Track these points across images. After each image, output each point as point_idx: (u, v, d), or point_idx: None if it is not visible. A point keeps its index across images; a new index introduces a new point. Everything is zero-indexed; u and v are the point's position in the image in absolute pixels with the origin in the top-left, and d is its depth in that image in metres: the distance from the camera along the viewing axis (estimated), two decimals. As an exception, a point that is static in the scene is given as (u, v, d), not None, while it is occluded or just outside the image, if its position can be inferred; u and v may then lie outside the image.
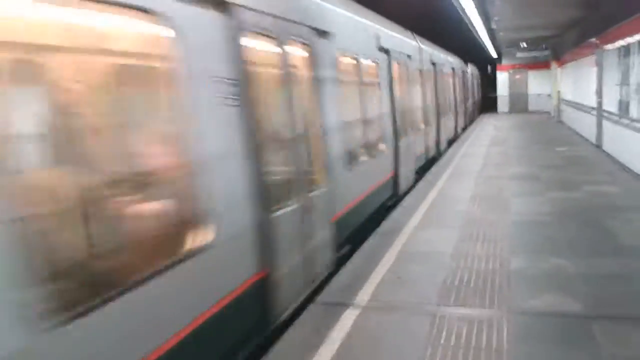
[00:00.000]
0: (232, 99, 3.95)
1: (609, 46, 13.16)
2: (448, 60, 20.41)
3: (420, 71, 12.77)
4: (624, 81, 11.70)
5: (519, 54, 29.63)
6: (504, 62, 32.75)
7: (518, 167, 12.26)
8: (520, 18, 18.07)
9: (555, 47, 26.93)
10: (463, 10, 14.37)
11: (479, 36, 21.79)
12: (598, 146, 14.90)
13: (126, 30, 3.30)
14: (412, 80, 11.59)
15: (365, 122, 7.72)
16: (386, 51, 9.12)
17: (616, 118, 12.47)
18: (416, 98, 11.98)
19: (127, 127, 3.35)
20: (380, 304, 4.92)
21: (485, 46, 26.19)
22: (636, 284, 5.08)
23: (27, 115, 2.65)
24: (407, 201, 9.16)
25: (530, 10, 16.30)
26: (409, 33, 12.42)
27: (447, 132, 17.07)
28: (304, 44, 5.45)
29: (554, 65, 26.89)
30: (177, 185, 3.53)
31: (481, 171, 11.93)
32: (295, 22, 5.21)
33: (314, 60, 5.63)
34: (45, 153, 2.77)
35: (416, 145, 11.47)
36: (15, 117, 2.53)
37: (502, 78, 32.88)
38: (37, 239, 2.53)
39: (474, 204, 8.72)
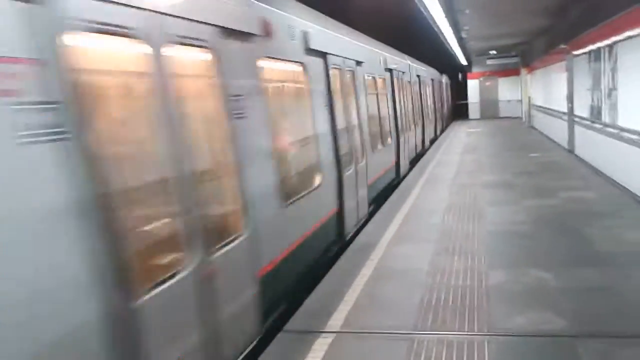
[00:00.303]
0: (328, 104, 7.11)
1: (579, 52, 13.16)
2: (428, 71, 20.85)
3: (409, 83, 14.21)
4: (595, 86, 11.67)
5: (489, 62, 29.87)
6: (475, 69, 32.99)
7: (492, 175, 12.12)
8: (489, 27, 18.12)
9: (525, 54, 27.15)
10: (434, 20, 14.30)
11: (450, 45, 21.83)
12: (570, 151, 14.89)
13: (297, 72, 6.44)
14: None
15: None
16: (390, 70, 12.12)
17: (588, 123, 12.44)
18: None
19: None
20: (354, 330, 4.61)
21: (455, 55, 26.31)
22: (618, 297, 4.88)
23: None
24: (380, 214, 8.89)
25: (499, 19, 16.33)
26: (401, 54, 14.06)
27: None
28: (350, 70, 8.63)
29: (523, 71, 27.11)
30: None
31: (455, 179, 11.76)
32: (348, 58, 8.35)
33: (356, 81, 8.91)
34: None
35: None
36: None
37: (473, 85, 33.10)
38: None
39: (449, 215, 8.50)
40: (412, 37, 24.88)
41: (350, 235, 7.64)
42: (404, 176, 12.97)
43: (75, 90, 2.65)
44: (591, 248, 6.30)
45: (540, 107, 21.55)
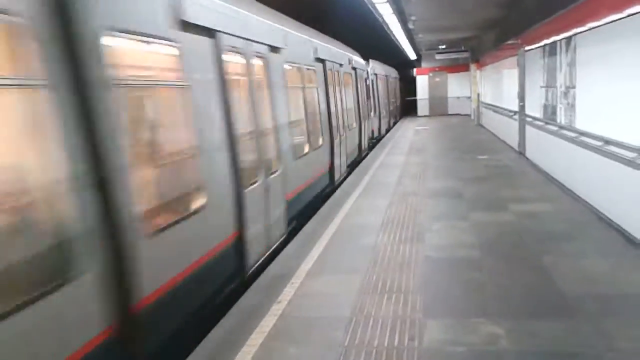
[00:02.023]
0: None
1: (533, 46, 12.07)
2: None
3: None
4: (550, 83, 10.57)
5: (438, 56, 28.91)
6: (424, 64, 32.03)
7: (437, 180, 10.89)
8: (438, 18, 16.96)
9: (475, 49, 26.28)
10: (374, 6, 12.97)
11: (397, 38, 20.62)
12: (521, 153, 13.86)
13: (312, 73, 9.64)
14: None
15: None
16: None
17: (540, 124, 11.36)
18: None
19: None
20: None
21: (404, 49, 25.18)
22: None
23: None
24: (303, 234, 7.46)
25: (448, 9, 15.17)
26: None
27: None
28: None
29: (473, 67, 26.23)
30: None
31: (397, 186, 10.46)
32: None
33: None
34: None
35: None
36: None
37: (422, 81, 32.13)
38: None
39: (385, 233, 7.15)
40: (360, 30, 23.52)
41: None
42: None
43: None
44: (553, 287, 5.03)
45: (489, 104, 20.60)
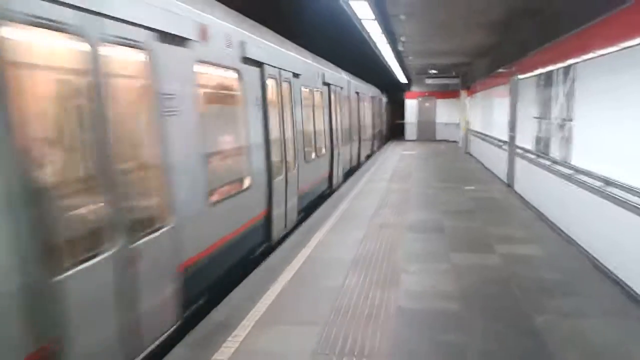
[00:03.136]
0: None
1: (526, 74, 11.37)
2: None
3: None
4: (544, 115, 9.83)
5: (429, 81, 28.27)
6: (414, 88, 31.43)
7: (419, 212, 10.05)
8: (428, 40, 16.28)
9: (466, 75, 25.73)
10: (363, 27, 12.22)
11: (385, 59, 19.93)
12: (509, 185, 13.10)
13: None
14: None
15: None
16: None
17: (532, 157, 10.60)
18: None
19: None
20: None
21: (393, 71, 24.52)
22: None
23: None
24: (263, 269, 6.54)
25: (439, 31, 14.49)
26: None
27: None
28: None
29: (463, 94, 25.63)
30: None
31: (374, 217, 9.60)
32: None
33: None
34: None
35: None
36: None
37: (411, 105, 31.50)
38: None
39: (354, 274, 6.27)
40: (354, 54, 22.80)
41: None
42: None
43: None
44: None
45: (478, 133, 19.92)
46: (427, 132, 31.03)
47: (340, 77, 14.73)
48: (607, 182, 6.40)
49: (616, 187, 6.12)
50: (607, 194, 6.35)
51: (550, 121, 9.35)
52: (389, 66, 22.28)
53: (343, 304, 5.29)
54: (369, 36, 13.78)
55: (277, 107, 8.14)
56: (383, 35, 13.70)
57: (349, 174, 14.98)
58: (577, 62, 7.88)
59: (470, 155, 21.75)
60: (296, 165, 9.11)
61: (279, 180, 7.96)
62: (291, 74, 8.91)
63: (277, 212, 7.85)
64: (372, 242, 7.76)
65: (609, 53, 6.57)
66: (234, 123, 6.63)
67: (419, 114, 31.42)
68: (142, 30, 4.12)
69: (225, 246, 5.79)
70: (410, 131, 31.60)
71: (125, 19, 3.88)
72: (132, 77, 4.27)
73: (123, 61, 4.06)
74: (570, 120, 8.14)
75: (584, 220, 7.33)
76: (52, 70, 3.54)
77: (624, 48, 6.05)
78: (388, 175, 15.45)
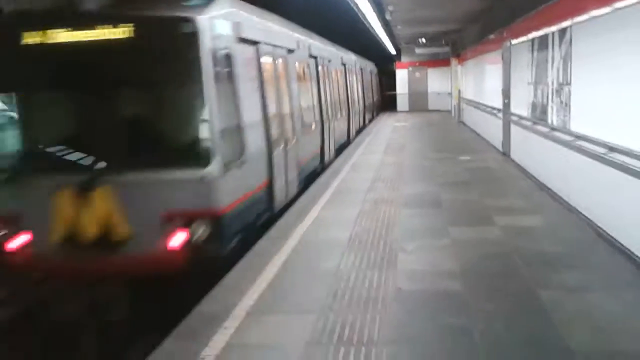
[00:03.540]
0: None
1: (520, 39, 11.02)
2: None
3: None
4: (539, 80, 9.52)
5: (418, 50, 27.77)
6: (403, 59, 30.94)
7: (414, 185, 9.79)
8: (417, 9, 15.85)
9: (456, 43, 25.27)
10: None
11: (374, 29, 19.47)
12: (505, 154, 12.85)
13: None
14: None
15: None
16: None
17: (528, 124, 10.31)
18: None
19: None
20: None
21: (382, 41, 24.05)
22: None
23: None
24: (253, 254, 6.26)
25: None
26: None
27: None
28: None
29: (454, 62, 25.21)
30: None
31: (369, 191, 9.34)
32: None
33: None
34: None
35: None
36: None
37: (402, 75, 31.05)
38: None
39: (350, 254, 6.01)
40: (338, 21, 22.28)
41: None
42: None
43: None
44: (557, 340, 3.93)
45: (471, 101, 19.59)
46: (419, 103, 30.65)
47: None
48: (611, 148, 6.13)
49: (620, 153, 5.85)
50: (609, 159, 6.09)
51: (546, 86, 9.05)
52: (378, 37, 21.81)
53: (339, 287, 5.04)
54: (356, 6, 13.36)
55: (321, 81, 12.48)
56: (369, 4, 13.30)
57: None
58: (574, 24, 7.55)
59: (464, 124, 21.45)
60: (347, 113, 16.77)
61: (328, 128, 12.74)
62: (328, 60, 13.62)
63: (328, 151, 12.67)
64: (367, 219, 7.51)
65: (607, 13, 6.24)
66: (311, 92, 11.41)
67: (410, 84, 31.00)
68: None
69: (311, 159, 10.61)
70: (402, 102, 31.20)
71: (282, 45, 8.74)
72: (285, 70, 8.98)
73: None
74: (568, 84, 7.84)
75: (586, 188, 7.08)
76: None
77: (624, 7, 5.73)
78: (381, 148, 15.16)
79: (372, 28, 18.69)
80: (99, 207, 5.37)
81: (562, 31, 8.07)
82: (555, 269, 5.28)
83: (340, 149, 14.77)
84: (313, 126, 11.21)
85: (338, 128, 14.81)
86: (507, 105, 12.59)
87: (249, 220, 6.48)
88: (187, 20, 5.41)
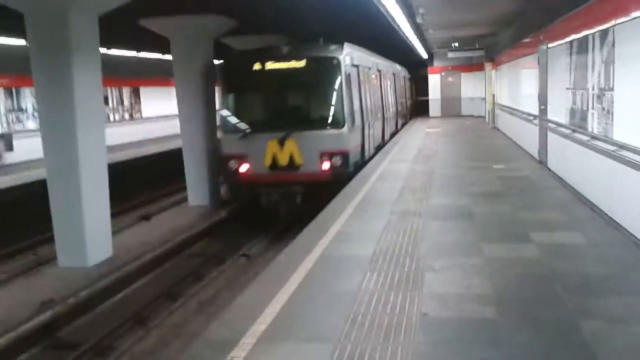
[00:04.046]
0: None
1: (557, 42, 10.45)
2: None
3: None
4: (578, 85, 8.96)
5: (451, 55, 27.14)
6: (436, 63, 30.34)
7: (445, 196, 9.32)
8: (448, 12, 15.36)
9: (490, 47, 24.61)
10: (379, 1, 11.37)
11: (404, 33, 18.98)
12: (541, 162, 12.24)
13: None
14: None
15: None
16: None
17: (566, 131, 9.73)
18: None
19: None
20: None
21: (413, 46, 23.51)
22: None
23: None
24: (271, 271, 5.91)
25: (460, 0, 13.59)
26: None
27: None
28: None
29: (488, 66, 24.51)
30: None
31: (397, 202, 8.91)
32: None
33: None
34: None
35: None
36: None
37: (434, 80, 30.44)
38: None
39: (373, 272, 5.60)
40: (373, 31, 21.90)
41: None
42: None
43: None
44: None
45: (505, 106, 18.94)
46: (452, 108, 29.98)
47: (385, 64, 20.90)
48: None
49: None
50: (660, 173, 5.55)
51: (585, 92, 8.49)
52: (410, 41, 21.31)
53: (359, 312, 4.63)
54: (385, 10, 12.92)
55: (383, 87, 18.59)
56: (398, 7, 12.84)
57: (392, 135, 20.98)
58: (616, 25, 7.00)
59: (498, 130, 20.78)
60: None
61: (367, 127, 14.62)
62: (385, 71, 19.60)
63: (367, 147, 14.70)
64: (393, 233, 7.08)
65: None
66: (379, 93, 17.45)
67: (442, 89, 30.37)
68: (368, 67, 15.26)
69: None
70: (434, 108, 30.57)
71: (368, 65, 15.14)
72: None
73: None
74: (610, 89, 7.29)
75: (631, 203, 6.52)
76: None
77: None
78: (411, 156, 14.68)
79: (403, 32, 18.20)
80: (288, 148, 11.46)
81: (604, 33, 7.53)
82: (599, 295, 4.78)
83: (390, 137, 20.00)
84: (379, 114, 17.14)
85: (388, 121, 19.87)
86: (543, 111, 12.00)
87: (356, 159, 12.60)
88: (334, 57, 11.90)
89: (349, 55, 12.33)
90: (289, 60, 11.94)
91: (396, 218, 7.88)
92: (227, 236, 12.24)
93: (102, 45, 9.31)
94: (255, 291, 5.27)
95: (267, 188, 11.95)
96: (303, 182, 11.68)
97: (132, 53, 22.39)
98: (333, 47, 12.24)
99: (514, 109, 16.73)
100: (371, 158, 14.50)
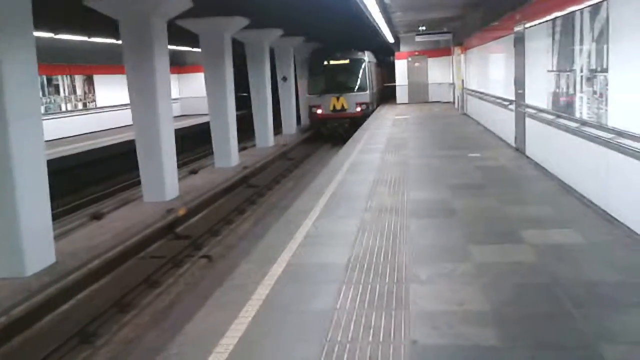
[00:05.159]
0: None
1: (536, 21, 9.77)
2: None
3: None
4: (563, 66, 8.29)
5: (419, 39, 26.42)
6: (402, 48, 29.62)
7: (422, 189, 8.58)
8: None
9: (458, 31, 23.98)
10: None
11: (371, 15, 18.15)
12: (518, 149, 11.64)
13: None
14: None
15: None
16: None
17: (548, 117, 9.08)
18: None
19: None
20: None
21: (380, 29, 22.73)
22: None
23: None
24: (231, 282, 5.06)
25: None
26: None
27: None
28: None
29: (456, 50, 23.91)
30: None
31: (370, 197, 8.13)
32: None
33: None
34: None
35: None
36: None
37: (401, 66, 29.70)
38: None
39: (348, 287, 4.80)
40: (338, 13, 21.01)
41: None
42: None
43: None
44: None
45: (476, 92, 18.34)
46: (419, 94, 29.34)
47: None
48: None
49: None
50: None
51: (572, 74, 7.82)
52: (376, 24, 20.49)
53: (335, 341, 3.82)
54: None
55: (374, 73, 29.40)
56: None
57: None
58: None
59: (468, 116, 20.21)
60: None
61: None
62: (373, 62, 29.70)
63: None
64: (370, 234, 6.29)
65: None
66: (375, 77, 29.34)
67: (409, 74, 29.68)
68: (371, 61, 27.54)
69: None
70: (402, 94, 29.88)
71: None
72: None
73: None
74: (604, 71, 6.61)
75: (631, 196, 5.86)
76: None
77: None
78: (382, 145, 13.93)
79: (370, 14, 17.36)
80: (341, 101, 23.87)
81: (595, 7, 6.84)
82: (616, 309, 4.08)
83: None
84: (374, 89, 27.57)
85: (379, 92, 31.45)
86: (520, 96, 11.36)
87: (372, 107, 25.51)
88: (361, 57, 25.36)
89: (367, 56, 25.49)
90: (340, 59, 25.07)
91: (371, 216, 7.10)
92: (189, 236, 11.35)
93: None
94: (208, 316, 4.40)
95: (330, 121, 24.09)
96: (348, 117, 23.74)
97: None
98: (360, 52, 25.31)
99: (485, 94, 16.12)
100: (374, 110, 25.99)
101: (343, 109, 23.67)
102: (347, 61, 24.74)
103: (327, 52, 25.57)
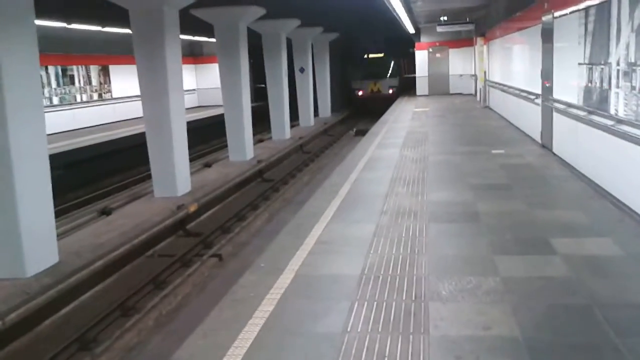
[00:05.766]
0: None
1: (567, 9, 9.15)
2: None
3: None
4: (596, 59, 7.70)
5: (440, 29, 25.69)
6: (423, 39, 28.90)
7: (442, 190, 8.07)
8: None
9: (481, 21, 23.24)
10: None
11: (391, 4, 17.55)
12: (544, 146, 11.04)
13: None
14: None
15: None
16: None
17: (580, 113, 8.48)
18: None
19: None
20: None
21: (400, 19, 22.09)
22: None
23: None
24: (233, 295, 4.62)
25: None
26: None
27: None
28: None
29: (479, 41, 23.16)
30: None
31: (387, 198, 7.65)
32: None
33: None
34: None
35: None
36: None
37: (421, 57, 28.98)
38: None
39: (361, 304, 4.33)
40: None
41: None
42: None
43: None
44: None
45: (499, 84, 17.67)
46: (440, 86, 28.62)
47: None
48: None
49: None
50: None
51: (607, 67, 7.23)
52: (396, 14, 19.87)
53: (344, 372, 3.37)
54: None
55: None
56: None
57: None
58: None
59: (490, 109, 19.55)
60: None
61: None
62: None
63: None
64: (385, 241, 5.82)
65: None
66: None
67: (430, 66, 28.98)
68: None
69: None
70: (422, 85, 29.19)
71: None
72: None
73: None
74: (645, 64, 6.03)
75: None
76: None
77: None
78: (401, 140, 13.40)
79: (391, 4, 16.77)
80: (377, 85, 30.91)
81: (636, -5, 6.24)
82: (665, 339, 3.56)
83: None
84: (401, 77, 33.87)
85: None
86: (548, 90, 10.74)
87: (400, 90, 31.25)
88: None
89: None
90: (377, 53, 31.74)
91: (388, 220, 6.62)
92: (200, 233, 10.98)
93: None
94: (205, 337, 3.97)
95: (369, 101, 30.30)
96: (383, 97, 29.42)
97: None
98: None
99: (509, 87, 15.47)
100: (400, 92, 30.49)
101: (379, 91, 30.66)
102: (382, 55, 31.95)
103: (365, 48, 32.69)
